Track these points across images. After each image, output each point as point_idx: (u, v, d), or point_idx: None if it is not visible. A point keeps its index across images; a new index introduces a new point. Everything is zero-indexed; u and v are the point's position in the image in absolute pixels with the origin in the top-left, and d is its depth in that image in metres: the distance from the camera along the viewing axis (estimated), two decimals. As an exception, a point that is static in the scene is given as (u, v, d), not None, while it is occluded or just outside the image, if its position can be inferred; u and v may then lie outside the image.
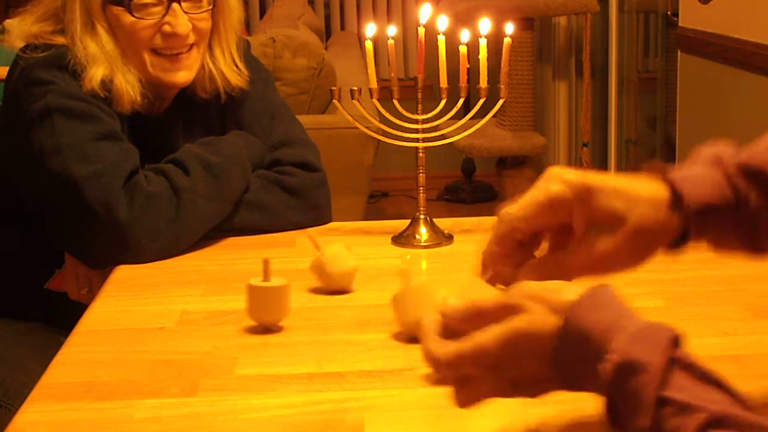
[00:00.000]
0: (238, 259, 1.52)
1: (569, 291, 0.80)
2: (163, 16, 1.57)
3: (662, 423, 0.71)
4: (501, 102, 1.57)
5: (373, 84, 1.56)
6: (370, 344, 1.18)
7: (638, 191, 0.90)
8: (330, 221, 1.69)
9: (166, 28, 1.57)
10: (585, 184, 0.89)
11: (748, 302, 1.30)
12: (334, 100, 1.60)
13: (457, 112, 1.56)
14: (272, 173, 1.66)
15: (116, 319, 1.30)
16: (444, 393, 1.05)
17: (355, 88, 1.59)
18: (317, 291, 1.36)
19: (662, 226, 0.91)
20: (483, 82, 1.55)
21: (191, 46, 1.60)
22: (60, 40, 1.58)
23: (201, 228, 1.55)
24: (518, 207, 0.91)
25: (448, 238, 1.59)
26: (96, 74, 1.54)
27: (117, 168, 1.48)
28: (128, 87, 1.56)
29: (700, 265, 1.47)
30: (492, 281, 0.92)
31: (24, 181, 1.57)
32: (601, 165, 4.19)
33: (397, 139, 1.60)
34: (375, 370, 1.11)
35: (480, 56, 1.52)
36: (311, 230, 1.54)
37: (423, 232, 1.58)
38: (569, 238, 0.92)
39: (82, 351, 1.19)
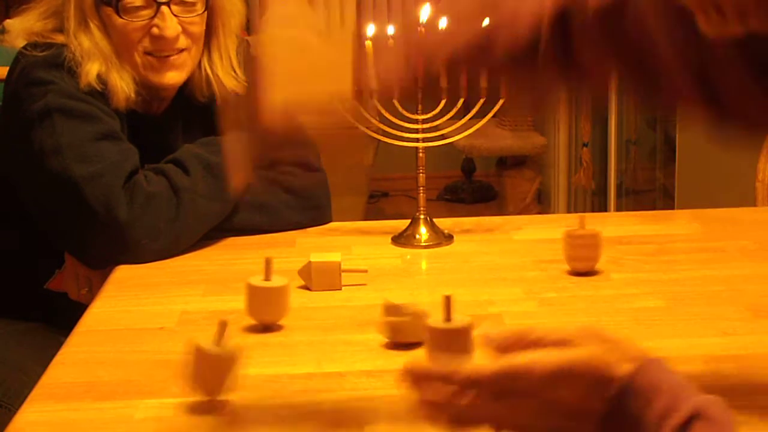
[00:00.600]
0: (238, 259, 1.52)
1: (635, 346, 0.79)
2: (152, 18, 1.57)
3: None
4: (501, 102, 1.56)
5: (373, 84, 1.55)
6: (370, 344, 1.17)
7: None
8: (330, 221, 1.69)
9: (155, 30, 1.57)
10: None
11: (748, 302, 1.30)
12: (334, 100, 1.59)
13: (457, 112, 1.56)
14: (273, 174, 1.66)
15: (116, 319, 1.30)
16: (444, 393, 1.05)
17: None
18: (316, 291, 1.37)
19: None
20: (483, 82, 1.55)
21: (182, 49, 1.60)
22: (60, 38, 1.58)
23: (201, 228, 1.55)
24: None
25: (448, 238, 1.59)
26: (91, 69, 1.54)
27: (117, 168, 1.48)
28: (122, 84, 1.56)
29: (700, 265, 1.47)
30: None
31: (24, 182, 1.57)
32: (601, 165, 4.19)
33: (397, 139, 1.60)
34: (375, 370, 1.11)
35: (480, 56, 1.51)
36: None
37: (423, 232, 1.58)
38: None
39: (82, 351, 1.19)
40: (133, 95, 1.57)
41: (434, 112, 1.56)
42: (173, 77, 1.61)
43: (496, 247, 1.58)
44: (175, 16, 1.57)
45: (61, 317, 1.55)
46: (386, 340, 1.16)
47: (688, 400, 0.74)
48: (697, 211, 1.78)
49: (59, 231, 1.54)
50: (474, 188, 4.98)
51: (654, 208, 4.06)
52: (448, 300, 1.04)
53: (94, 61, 1.55)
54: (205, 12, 1.61)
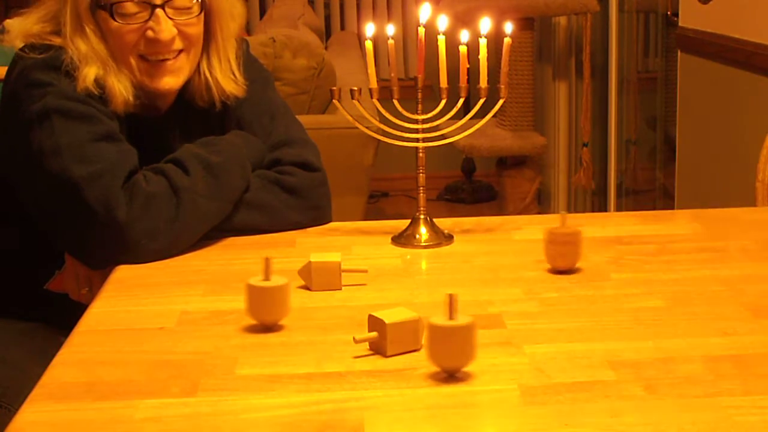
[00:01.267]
0: (238, 259, 1.52)
1: None
2: (147, 21, 1.56)
3: None
4: (501, 102, 1.57)
5: (373, 84, 1.56)
6: (370, 344, 1.17)
7: None
8: (330, 221, 1.69)
9: (149, 33, 1.57)
10: None
11: (748, 302, 1.30)
12: (334, 100, 1.60)
13: (457, 112, 1.56)
14: (272, 173, 1.66)
15: (116, 319, 1.30)
16: (443, 393, 1.05)
17: (355, 88, 1.59)
18: (316, 291, 1.37)
19: None
20: (483, 82, 1.55)
21: (179, 51, 1.60)
22: (58, 41, 1.58)
23: (201, 228, 1.55)
24: None
25: (448, 238, 1.59)
26: (89, 73, 1.54)
27: (116, 168, 1.48)
28: (120, 87, 1.56)
29: (700, 265, 1.47)
30: None
31: (23, 182, 1.57)
32: (601, 165, 4.19)
33: (397, 139, 1.60)
34: (375, 370, 1.11)
35: (480, 56, 1.52)
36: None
37: (423, 232, 1.58)
38: None
39: (82, 351, 1.19)
40: (131, 99, 1.57)
41: (434, 112, 1.56)
42: (169, 82, 1.61)
43: (496, 247, 1.58)
44: (171, 18, 1.57)
45: (61, 317, 1.55)
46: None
47: None
48: (697, 211, 1.78)
49: (59, 231, 1.54)
50: (474, 188, 4.98)
51: (654, 208, 4.06)
52: (451, 299, 1.05)
53: (92, 64, 1.55)
54: (202, 14, 1.61)
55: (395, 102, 1.54)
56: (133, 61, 1.58)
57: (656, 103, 4.20)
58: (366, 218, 2.84)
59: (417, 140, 1.59)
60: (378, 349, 1.15)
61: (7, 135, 1.59)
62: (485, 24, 1.52)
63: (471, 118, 1.66)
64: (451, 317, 1.05)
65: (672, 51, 3.74)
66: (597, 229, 1.64)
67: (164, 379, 1.10)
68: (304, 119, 1.84)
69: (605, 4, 4.06)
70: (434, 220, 1.61)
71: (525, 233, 1.64)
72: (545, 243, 1.43)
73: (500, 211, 4.30)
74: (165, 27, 1.56)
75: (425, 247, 1.57)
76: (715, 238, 1.61)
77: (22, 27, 1.61)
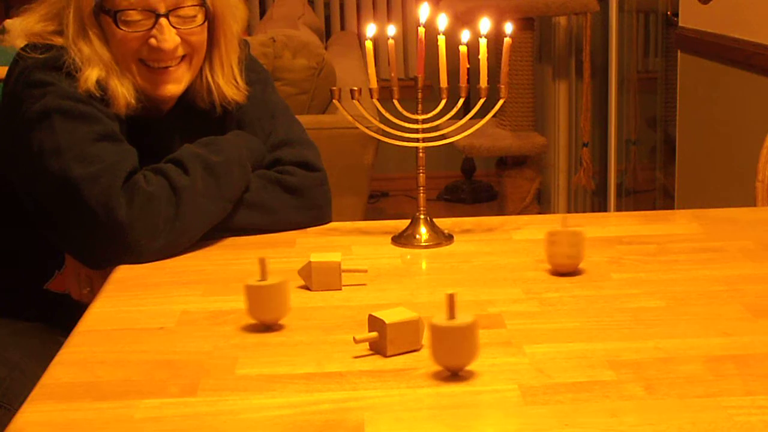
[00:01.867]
0: (238, 259, 1.52)
1: None
2: (150, 29, 1.56)
3: None
4: (501, 102, 1.57)
5: (373, 84, 1.56)
6: (370, 344, 1.17)
7: None
8: (330, 221, 1.69)
9: (152, 41, 1.56)
10: None
11: (748, 302, 1.30)
12: (334, 100, 1.60)
13: (457, 112, 1.56)
14: (272, 173, 1.66)
15: (116, 319, 1.30)
16: (443, 393, 1.05)
17: (355, 88, 1.59)
18: (316, 291, 1.37)
19: None
20: (483, 82, 1.55)
21: (182, 58, 1.60)
22: (59, 40, 1.58)
23: (201, 227, 1.55)
24: None
25: (448, 238, 1.59)
26: (91, 75, 1.54)
27: (116, 168, 1.48)
28: (123, 90, 1.56)
29: (700, 265, 1.47)
30: None
31: (23, 182, 1.57)
32: (601, 165, 4.19)
33: (397, 139, 1.60)
34: (375, 370, 1.11)
35: (480, 56, 1.52)
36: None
37: (423, 232, 1.58)
38: None
39: (82, 351, 1.19)
40: (133, 101, 1.57)
41: (434, 112, 1.56)
42: (171, 89, 1.60)
43: (496, 247, 1.58)
44: (175, 27, 1.57)
45: (61, 317, 1.55)
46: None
47: None
48: (697, 211, 1.78)
49: (59, 232, 1.54)
50: (474, 188, 4.98)
51: (654, 208, 4.07)
52: (451, 298, 1.05)
53: (94, 67, 1.55)
54: (206, 23, 1.61)
55: (395, 102, 1.54)
56: (134, 67, 1.58)
57: (656, 103, 4.20)
58: (366, 218, 2.84)
59: (417, 140, 1.59)
60: (378, 349, 1.15)
61: (8, 135, 1.58)
62: (485, 24, 1.52)
63: (471, 118, 1.66)
64: (451, 317, 1.06)
65: (672, 51, 3.74)
66: (597, 229, 1.64)
67: (164, 379, 1.10)
68: (304, 119, 1.84)
69: (605, 4, 4.06)
70: (434, 220, 1.61)
71: (525, 233, 1.64)
72: (546, 244, 1.42)
73: (500, 211, 4.30)
74: (168, 36, 1.56)
75: (425, 247, 1.57)
76: (715, 238, 1.61)
77: (23, 26, 1.61)
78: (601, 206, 4.24)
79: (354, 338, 1.15)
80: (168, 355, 1.17)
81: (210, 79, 1.65)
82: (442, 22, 1.52)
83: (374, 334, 1.15)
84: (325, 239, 1.62)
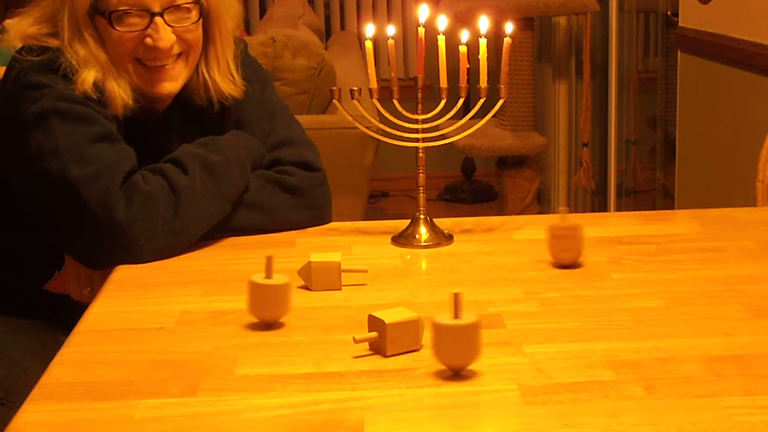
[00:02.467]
0: (238, 259, 1.52)
1: None
2: (146, 28, 1.56)
3: None
4: (501, 102, 1.57)
5: (373, 84, 1.56)
6: (370, 344, 1.17)
7: None
8: (330, 221, 1.69)
9: (148, 41, 1.56)
10: None
11: (748, 302, 1.30)
12: (334, 100, 1.60)
13: (457, 112, 1.56)
14: (272, 173, 1.66)
15: (116, 319, 1.30)
16: (443, 393, 1.05)
17: (355, 88, 1.59)
18: (316, 291, 1.37)
19: None
20: (483, 82, 1.55)
21: (178, 55, 1.60)
22: (55, 42, 1.58)
23: (200, 227, 1.55)
24: None
25: (448, 238, 1.59)
26: (88, 77, 1.54)
27: (114, 169, 1.48)
28: (120, 91, 1.56)
29: (700, 265, 1.47)
30: None
31: (22, 183, 1.57)
32: (601, 165, 4.19)
33: (397, 139, 1.60)
34: (375, 370, 1.11)
35: (480, 56, 1.52)
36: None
37: (423, 232, 1.58)
38: None
39: (82, 351, 1.19)
40: (130, 102, 1.57)
41: (434, 112, 1.56)
42: (167, 87, 1.61)
43: (496, 247, 1.58)
44: (170, 25, 1.57)
45: (61, 317, 1.55)
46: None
47: None
48: (697, 211, 1.78)
49: (59, 232, 1.54)
50: (474, 188, 4.98)
51: (654, 208, 4.07)
52: (457, 297, 1.06)
53: (91, 68, 1.55)
54: (201, 19, 1.61)
55: (395, 102, 1.54)
56: (131, 66, 1.58)
57: (656, 103, 4.20)
58: (366, 218, 2.84)
59: (417, 140, 1.59)
60: (378, 349, 1.15)
61: (6, 137, 1.58)
62: (485, 24, 1.52)
63: (471, 118, 1.66)
64: (456, 316, 1.06)
65: (672, 51, 3.74)
66: (597, 229, 1.64)
67: (164, 379, 1.10)
68: (304, 119, 1.84)
69: (605, 4, 4.06)
70: (434, 220, 1.61)
71: (525, 233, 1.64)
72: (548, 238, 1.44)
73: (500, 211, 4.30)
74: (164, 35, 1.56)
75: (425, 247, 1.57)
76: (715, 238, 1.61)
77: (18, 28, 1.61)
78: (601, 206, 4.24)
79: (354, 338, 1.15)
80: (168, 355, 1.17)
81: (206, 75, 1.65)
82: (442, 22, 1.52)
83: (374, 334, 1.15)
84: (325, 239, 1.62)
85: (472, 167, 5.04)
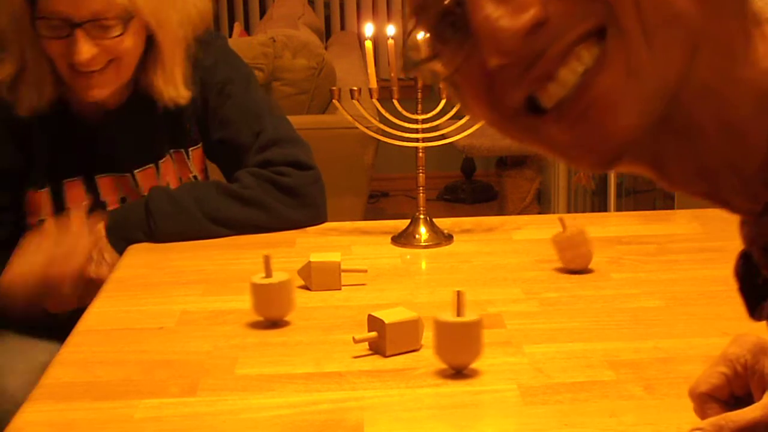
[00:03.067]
0: (238, 259, 1.52)
1: None
2: (68, 37, 1.51)
3: None
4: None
5: (373, 84, 1.56)
6: (370, 344, 1.17)
7: None
8: (326, 219, 1.69)
9: (70, 51, 1.52)
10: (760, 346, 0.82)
11: (747, 302, 1.30)
12: (334, 100, 1.60)
13: (456, 112, 1.56)
14: (267, 172, 1.65)
15: (116, 319, 1.30)
16: (443, 393, 1.05)
17: (355, 88, 1.59)
18: (316, 291, 1.37)
19: None
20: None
21: (109, 62, 1.55)
22: None
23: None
24: (704, 382, 0.83)
25: (448, 238, 1.59)
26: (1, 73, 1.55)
27: None
28: (33, 94, 1.56)
29: (700, 265, 1.47)
30: None
31: None
32: (601, 165, 4.18)
33: (397, 139, 1.60)
34: (375, 370, 1.11)
35: (480, 56, 1.52)
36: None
37: (423, 232, 1.58)
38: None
39: (81, 351, 1.19)
40: (44, 105, 1.57)
41: (434, 112, 1.56)
42: (96, 94, 1.57)
43: (496, 247, 1.58)
44: (92, 38, 1.52)
45: (61, 317, 1.55)
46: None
47: None
48: (697, 211, 1.78)
49: None
50: (474, 188, 4.98)
51: (654, 208, 4.06)
52: (460, 295, 1.06)
53: (6, 65, 1.55)
54: (128, 29, 1.54)
55: (395, 102, 1.54)
56: (65, 70, 1.55)
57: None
58: (366, 218, 2.84)
59: (417, 140, 1.59)
60: (378, 349, 1.15)
61: None
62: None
63: (471, 118, 1.66)
64: (459, 314, 1.06)
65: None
66: (597, 229, 1.64)
67: (164, 378, 1.10)
68: (304, 119, 1.84)
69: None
70: (434, 220, 1.61)
71: (525, 233, 1.64)
72: (556, 250, 1.43)
73: (500, 211, 4.30)
74: (83, 48, 1.51)
75: (425, 247, 1.57)
76: (715, 238, 1.61)
77: None
78: (601, 206, 4.24)
79: (353, 338, 1.15)
80: (168, 355, 1.17)
81: (147, 80, 1.62)
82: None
83: (374, 333, 1.15)
84: (324, 239, 1.62)
85: (472, 167, 5.04)
